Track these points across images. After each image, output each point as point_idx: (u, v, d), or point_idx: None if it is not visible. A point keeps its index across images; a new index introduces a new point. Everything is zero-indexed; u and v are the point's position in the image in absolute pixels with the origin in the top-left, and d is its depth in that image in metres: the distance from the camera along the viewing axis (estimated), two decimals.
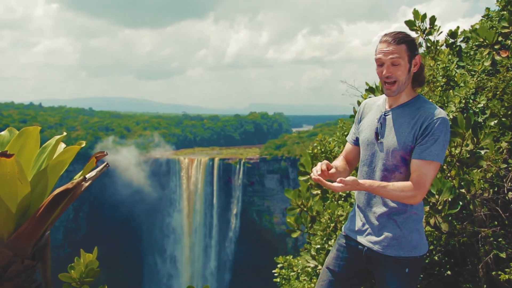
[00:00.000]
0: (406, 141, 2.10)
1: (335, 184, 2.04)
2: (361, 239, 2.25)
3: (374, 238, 2.19)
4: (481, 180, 3.05)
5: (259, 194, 59.39)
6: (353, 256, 2.29)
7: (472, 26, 4.17)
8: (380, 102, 2.30)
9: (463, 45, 4.16)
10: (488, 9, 4.15)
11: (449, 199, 2.96)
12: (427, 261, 3.30)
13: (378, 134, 2.19)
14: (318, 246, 3.71)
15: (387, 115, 2.20)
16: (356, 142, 2.43)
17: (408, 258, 2.16)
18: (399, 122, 2.15)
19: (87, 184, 1.47)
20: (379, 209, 2.20)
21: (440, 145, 2.04)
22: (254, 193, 59.60)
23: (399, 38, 2.08)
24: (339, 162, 2.38)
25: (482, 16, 4.22)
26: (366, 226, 2.24)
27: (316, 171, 2.11)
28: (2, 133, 1.62)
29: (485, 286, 3.10)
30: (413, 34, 4.15)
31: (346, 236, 2.34)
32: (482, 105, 3.38)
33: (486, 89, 3.53)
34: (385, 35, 2.11)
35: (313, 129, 71.18)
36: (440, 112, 2.08)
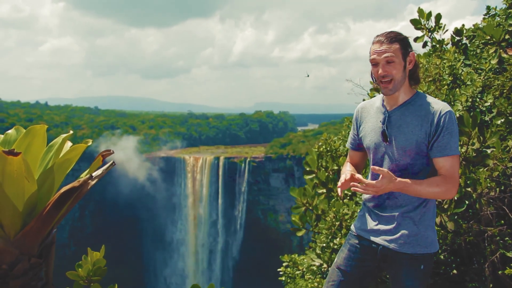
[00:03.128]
0: (418, 139, 2.11)
1: (376, 181, 2.01)
2: (375, 238, 2.25)
3: (390, 237, 2.20)
4: (488, 179, 3.03)
5: (264, 192, 59.38)
6: (366, 256, 2.29)
7: (474, 25, 4.14)
8: (378, 104, 2.29)
9: (468, 43, 4.13)
10: (489, 7, 4.11)
11: (455, 198, 2.95)
12: None
13: (386, 136, 2.19)
14: (323, 244, 3.71)
15: (391, 116, 2.20)
16: (357, 147, 2.44)
17: (423, 255, 2.18)
18: (406, 121, 2.15)
19: (93, 182, 1.47)
20: (393, 207, 2.21)
21: (455, 138, 2.10)
22: (259, 192, 59.60)
23: (392, 37, 2.11)
24: (350, 168, 2.40)
25: (484, 15, 4.18)
26: (380, 225, 2.24)
27: (345, 180, 2.10)
28: (9, 131, 1.63)
29: (491, 285, 3.08)
30: (418, 33, 4.13)
31: (357, 236, 2.34)
32: (489, 103, 3.36)
33: (493, 88, 3.50)
34: (377, 36, 2.14)
35: (318, 128, 71.09)
36: (444, 106, 2.12)
